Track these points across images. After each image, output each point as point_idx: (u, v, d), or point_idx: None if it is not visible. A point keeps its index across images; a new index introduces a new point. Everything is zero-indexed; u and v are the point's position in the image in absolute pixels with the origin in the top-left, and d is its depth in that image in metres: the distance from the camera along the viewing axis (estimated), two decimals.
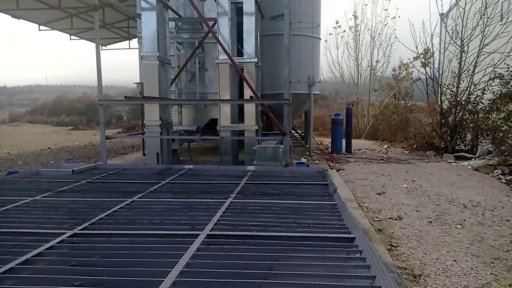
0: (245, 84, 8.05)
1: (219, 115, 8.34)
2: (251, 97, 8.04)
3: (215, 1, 8.33)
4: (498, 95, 9.73)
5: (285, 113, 7.39)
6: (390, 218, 5.06)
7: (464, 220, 4.99)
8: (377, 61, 20.19)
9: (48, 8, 12.98)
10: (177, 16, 9.47)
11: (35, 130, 25.90)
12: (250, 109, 8.21)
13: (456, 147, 11.11)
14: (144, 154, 10.06)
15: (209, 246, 2.76)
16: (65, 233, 3.00)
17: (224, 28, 8.22)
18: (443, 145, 11.33)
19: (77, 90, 56.64)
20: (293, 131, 13.71)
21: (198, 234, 2.93)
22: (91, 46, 19.17)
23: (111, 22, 16.37)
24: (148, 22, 7.91)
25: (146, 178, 5.57)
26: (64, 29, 16.38)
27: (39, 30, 15.48)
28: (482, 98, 10.55)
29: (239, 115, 8.85)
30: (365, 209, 5.48)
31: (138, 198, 4.26)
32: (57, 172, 6.04)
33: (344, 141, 12.18)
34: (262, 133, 9.25)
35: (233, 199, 4.18)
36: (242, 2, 8.26)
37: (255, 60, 8.26)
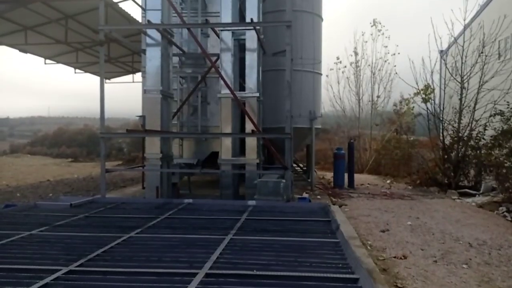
0: (246, 118, 8.08)
1: (220, 148, 8.31)
2: (252, 131, 8.04)
3: (219, 38, 8.53)
4: (499, 132, 9.74)
5: (287, 147, 7.37)
6: (394, 257, 4.89)
7: (470, 259, 4.82)
8: (378, 96, 20.43)
9: (55, 43, 13.31)
10: (181, 52, 9.66)
11: (35, 161, 25.86)
12: (251, 143, 8.19)
13: (460, 183, 10.99)
14: (143, 188, 9.95)
15: (207, 286, 2.64)
16: (60, 269, 2.92)
17: (227, 63, 8.36)
18: (447, 181, 11.21)
19: (79, 122, 57.12)
20: (294, 165, 13.64)
21: (197, 273, 2.81)
22: (95, 79, 19.52)
23: (116, 56, 16.74)
24: (153, 57, 8.06)
25: (144, 213, 5.46)
26: (69, 62, 16.73)
27: (45, 63, 15.81)
28: (484, 134, 10.55)
29: (240, 148, 8.82)
30: (369, 248, 5.32)
31: (135, 233, 4.14)
32: (55, 206, 5.94)
33: (346, 175, 12.07)
34: (264, 167, 9.18)
35: (233, 235, 4.05)
36: (244, 39, 8.45)
37: (257, 94, 8.33)
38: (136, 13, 14.12)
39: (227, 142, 8.23)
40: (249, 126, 8.14)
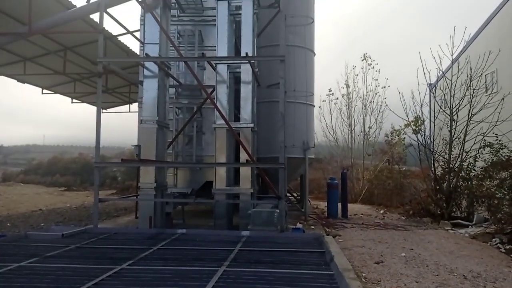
0: (241, 148, 8.18)
1: (215, 178, 8.35)
2: (247, 160, 8.13)
3: (215, 70, 8.77)
4: (489, 163, 9.90)
5: (281, 177, 7.43)
6: None
7: None
8: (369, 127, 20.75)
9: (53, 73, 13.53)
10: (177, 83, 9.87)
11: (27, 190, 25.53)
12: (245, 172, 8.25)
13: (453, 214, 11.04)
14: (136, 217, 9.87)
15: None
16: None
17: (222, 95, 8.56)
18: (439, 212, 11.26)
19: (74, 151, 56.91)
20: (288, 194, 13.64)
21: None
22: (92, 108, 19.70)
23: (113, 87, 16.97)
24: (150, 88, 8.24)
25: (137, 244, 5.42)
26: (66, 92, 16.94)
27: (42, 93, 15.99)
28: (475, 166, 10.71)
29: (234, 178, 8.87)
30: (363, 280, 5.29)
31: (127, 265, 4.11)
32: (46, 236, 5.89)
33: (340, 205, 12.08)
34: (258, 196, 9.20)
35: (227, 267, 4.05)
36: (240, 72, 8.69)
37: (252, 125, 8.48)
38: (133, 46, 14.47)
39: (222, 172, 8.28)
40: (243, 156, 8.24)
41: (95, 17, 8.58)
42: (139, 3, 8.77)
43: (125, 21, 9.54)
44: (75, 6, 8.69)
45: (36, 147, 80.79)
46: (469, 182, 10.68)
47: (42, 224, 10.18)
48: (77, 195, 22.36)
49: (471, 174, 10.77)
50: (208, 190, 9.16)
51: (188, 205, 10.64)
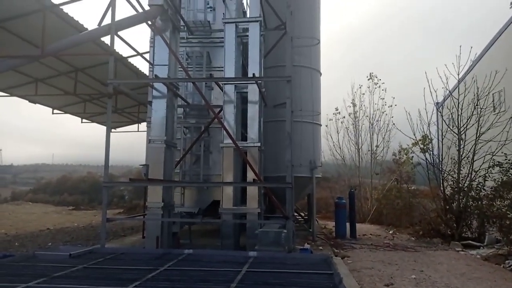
0: (248, 167, 8.20)
1: (222, 197, 8.35)
2: (254, 180, 8.13)
3: (222, 91, 8.90)
4: (499, 183, 9.78)
5: (288, 197, 7.40)
6: None
7: None
8: (377, 146, 20.65)
9: (64, 94, 13.80)
10: (185, 103, 10.01)
11: (36, 209, 25.68)
12: (253, 192, 8.24)
13: (463, 235, 10.84)
14: (143, 237, 9.85)
15: None
16: None
17: (230, 114, 8.65)
18: (450, 232, 11.07)
19: (83, 170, 57.37)
20: (296, 214, 13.53)
21: None
22: (101, 128, 19.97)
23: (122, 107, 17.24)
24: (158, 108, 8.37)
25: (144, 264, 5.41)
26: (76, 113, 17.22)
27: (53, 113, 16.28)
28: (484, 185, 10.58)
29: (241, 197, 8.86)
30: None
31: (134, 286, 4.10)
32: (54, 256, 5.90)
33: (348, 225, 11.94)
34: (265, 216, 9.15)
35: None
36: (247, 92, 8.81)
37: (259, 144, 8.52)
38: (142, 66, 14.72)
39: (229, 191, 8.29)
40: (250, 175, 8.25)
41: (106, 39, 8.81)
42: (149, 26, 9.01)
43: (135, 43, 9.80)
44: (87, 29, 8.94)
45: (45, 166, 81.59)
46: (479, 202, 10.52)
47: (50, 244, 10.21)
48: (85, 214, 22.42)
49: (481, 193, 10.62)
50: (215, 209, 9.15)
51: (195, 224, 10.61)
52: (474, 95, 11.44)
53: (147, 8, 8.46)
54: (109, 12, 7.81)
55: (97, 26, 7.87)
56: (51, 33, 8.49)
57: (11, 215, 20.59)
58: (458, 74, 11.72)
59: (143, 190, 11.11)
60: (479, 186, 10.70)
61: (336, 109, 21.84)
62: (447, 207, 11.34)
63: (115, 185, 20.35)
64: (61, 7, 8.31)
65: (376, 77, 21.18)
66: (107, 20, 7.83)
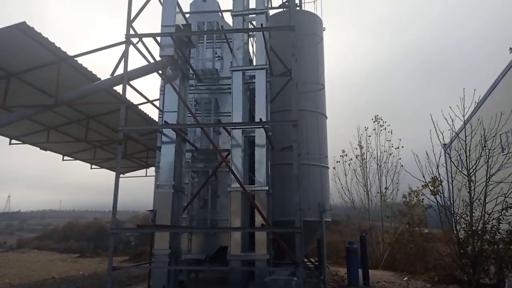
0: (256, 211, 8.12)
1: (230, 243, 8.20)
2: (262, 224, 8.02)
3: (230, 135, 9.04)
4: None
5: (297, 242, 7.25)
6: None
7: None
8: (386, 188, 20.38)
9: (75, 141, 14.08)
10: (193, 148, 10.15)
11: (41, 257, 25.28)
12: (261, 237, 8.10)
13: (481, 281, 10.37)
14: (149, 286, 9.59)
15: None
16: None
17: (237, 158, 8.72)
18: (466, 278, 10.61)
19: (89, 215, 57.12)
20: (305, 260, 13.15)
21: None
22: (109, 173, 20.14)
23: (132, 152, 17.46)
24: (167, 154, 8.50)
25: None
26: (86, 159, 17.46)
27: (63, 160, 16.51)
28: (499, 228, 10.29)
29: (250, 242, 8.69)
30: None
31: None
32: None
33: (360, 271, 11.53)
34: (274, 263, 8.91)
35: None
36: (254, 136, 8.94)
37: (266, 188, 8.50)
38: (152, 112, 15.06)
39: (237, 236, 8.16)
40: (258, 220, 8.15)
41: (118, 88, 9.12)
42: (160, 75, 9.37)
43: (145, 90, 10.11)
44: (100, 78, 9.31)
45: (52, 212, 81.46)
46: (495, 246, 10.17)
47: None
48: (90, 262, 21.99)
49: (496, 237, 10.30)
50: (223, 255, 8.96)
51: (203, 272, 10.33)
52: (481, 137, 11.43)
53: (158, 58, 8.85)
54: (122, 62, 8.17)
55: (110, 76, 8.20)
56: (64, 83, 8.84)
57: (16, 263, 20.27)
58: (464, 116, 11.79)
59: (150, 236, 10.97)
60: (494, 229, 10.40)
61: (343, 151, 21.86)
62: (462, 251, 10.96)
63: (123, 231, 20.16)
64: (75, 58, 8.71)
65: (382, 120, 21.37)
66: (120, 70, 8.17)
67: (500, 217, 10.29)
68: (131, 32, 8.43)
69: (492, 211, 10.58)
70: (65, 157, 16.58)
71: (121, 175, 19.61)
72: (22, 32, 7.51)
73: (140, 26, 8.79)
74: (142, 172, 20.47)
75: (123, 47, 8.25)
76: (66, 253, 28.90)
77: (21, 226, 60.65)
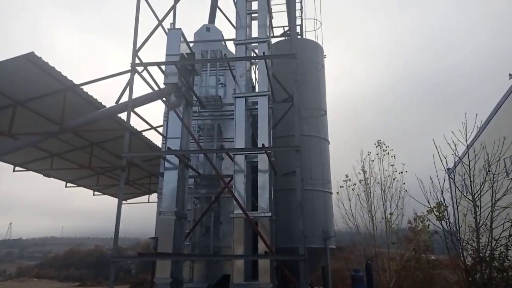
0: (259, 238, 8.02)
1: (232, 271, 8.04)
2: (265, 252, 7.90)
3: (232, 161, 9.05)
4: None
5: (302, 270, 7.12)
6: None
7: None
8: (391, 213, 20.12)
9: (78, 168, 14.14)
10: (196, 174, 10.15)
11: (41, 286, 24.90)
12: (264, 265, 7.94)
13: None
14: None
15: None
16: None
17: (240, 184, 8.68)
18: None
19: (91, 243, 56.53)
20: None
21: None
22: (111, 199, 20.07)
23: (134, 179, 17.48)
24: (170, 180, 8.49)
25: None
26: (89, 185, 17.46)
27: (66, 186, 16.53)
28: (507, 255, 10.08)
29: (253, 270, 8.53)
30: None
31: None
32: None
33: None
34: None
35: None
36: (257, 161, 8.93)
37: (269, 214, 8.41)
38: (155, 139, 15.16)
39: (239, 264, 8.01)
40: (261, 247, 8.02)
41: (123, 114, 9.24)
42: (164, 102, 9.51)
43: (149, 116, 10.22)
44: (104, 106, 9.46)
45: (54, 239, 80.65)
46: (505, 274, 9.94)
47: None
48: None
49: (505, 264, 10.07)
50: (226, 284, 8.78)
51: None
52: (485, 161, 11.39)
53: (162, 85, 9.01)
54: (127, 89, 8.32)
55: (115, 104, 8.33)
56: (70, 110, 8.98)
57: None
58: (466, 141, 11.77)
59: (151, 263, 10.81)
60: (502, 255, 10.19)
61: (346, 176, 21.72)
62: (470, 278, 10.70)
63: (124, 260, 19.89)
64: (81, 86, 8.89)
65: (384, 144, 21.36)
66: (125, 97, 8.31)
67: (508, 243, 10.10)
68: (137, 61, 8.63)
69: (499, 237, 10.40)
70: (68, 184, 16.60)
71: (124, 202, 19.62)
72: (31, 62, 7.72)
73: (144, 53, 9.02)
74: (144, 198, 20.43)
75: (128, 74, 8.44)
76: (66, 282, 28.47)
77: (22, 254, 59.87)
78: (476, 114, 11.83)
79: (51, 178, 15.14)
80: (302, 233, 7.38)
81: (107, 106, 9.13)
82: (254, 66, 12.07)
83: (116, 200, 7.99)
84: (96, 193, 18.57)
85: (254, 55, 10.45)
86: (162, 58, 8.99)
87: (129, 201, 20.49)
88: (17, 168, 13.66)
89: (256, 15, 10.17)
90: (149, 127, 10.61)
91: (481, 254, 10.59)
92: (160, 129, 10.99)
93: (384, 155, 20.91)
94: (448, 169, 12.81)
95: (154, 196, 18.53)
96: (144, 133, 12.50)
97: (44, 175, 14.50)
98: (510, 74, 14.53)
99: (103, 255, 32.57)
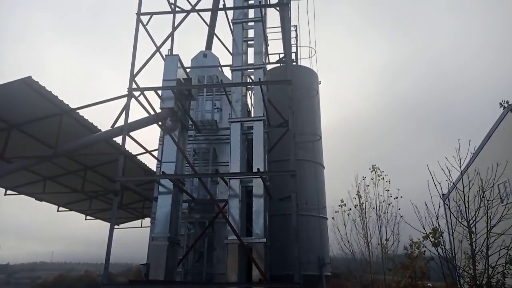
0: (253, 265, 7.88)
1: None
2: (260, 279, 7.74)
3: (227, 185, 9.00)
4: None
5: None
6: None
7: None
8: (386, 239, 19.94)
9: (71, 191, 13.96)
10: (190, 198, 10.06)
11: None
12: None
13: None
14: None
15: None
16: None
17: (235, 209, 8.59)
18: None
19: (81, 268, 55.11)
20: None
21: None
22: (103, 224, 19.75)
23: (127, 203, 17.25)
24: (163, 205, 8.39)
25: None
26: (81, 210, 17.18)
27: (58, 211, 16.25)
28: (505, 282, 9.97)
29: None
30: None
31: None
32: None
33: None
34: None
35: None
36: (252, 186, 8.89)
37: (264, 240, 8.29)
38: (149, 162, 15.09)
39: None
40: (256, 274, 7.87)
41: (117, 138, 9.21)
42: (159, 126, 9.53)
43: (143, 139, 10.20)
44: (100, 130, 9.44)
45: (43, 264, 78.50)
46: None
47: None
48: None
49: None
50: None
51: None
52: (479, 187, 11.42)
53: (158, 110, 9.05)
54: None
55: (111, 128, 8.33)
56: (65, 134, 8.94)
57: None
58: (460, 167, 11.85)
59: None
60: (499, 283, 10.07)
61: (342, 201, 21.63)
62: None
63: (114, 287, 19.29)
64: (77, 110, 8.90)
65: (379, 169, 21.41)
66: (121, 121, 8.33)
67: (505, 271, 10.00)
68: (133, 85, 8.70)
69: (496, 265, 10.31)
70: (60, 208, 16.33)
71: (116, 226, 19.25)
72: (28, 85, 7.75)
73: (141, 77, 9.08)
74: (137, 222, 20.10)
75: (124, 98, 8.48)
76: None
77: (8, 280, 57.99)
78: (469, 141, 11.96)
79: (43, 202, 14.90)
80: (297, 260, 7.27)
81: (102, 129, 9.13)
82: (250, 92, 12.22)
83: (108, 224, 7.86)
84: (88, 217, 18.25)
85: (250, 80, 10.61)
86: (159, 82, 9.07)
87: (121, 225, 20.13)
88: (8, 192, 13.45)
89: (252, 42, 10.40)
90: (144, 150, 10.59)
91: (478, 282, 10.47)
92: (155, 153, 10.96)
93: (379, 180, 20.95)
94: (443, 194, 12.82)
95: (147, 221, 18.26)
96: (139, 157, 12.45)
97: (36, 199, 14.27)
98: (500, 103, 14.87)
99: (93, 282, 31.72)
